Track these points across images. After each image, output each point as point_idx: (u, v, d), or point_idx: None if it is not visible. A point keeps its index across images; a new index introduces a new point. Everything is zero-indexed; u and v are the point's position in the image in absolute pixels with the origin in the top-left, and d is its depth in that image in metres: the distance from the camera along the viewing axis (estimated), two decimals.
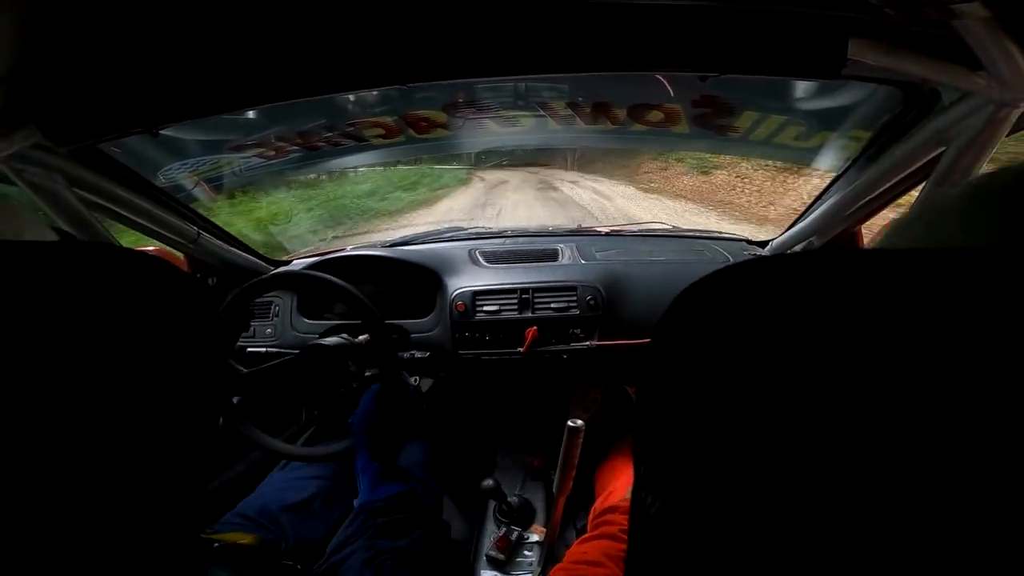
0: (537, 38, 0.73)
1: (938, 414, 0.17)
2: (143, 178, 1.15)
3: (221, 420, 1.11)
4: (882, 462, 0.17)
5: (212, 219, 1.41)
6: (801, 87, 1.00)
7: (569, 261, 1.50)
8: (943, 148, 0.87)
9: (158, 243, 1.32)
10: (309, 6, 0.70)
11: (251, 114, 1.13)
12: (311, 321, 1.47)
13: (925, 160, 0.94)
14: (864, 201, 1.14)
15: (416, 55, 0.76)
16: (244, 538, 0.70)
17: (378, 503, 0.90)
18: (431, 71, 0.78)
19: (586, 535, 0.97)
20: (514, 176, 14.57)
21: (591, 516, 1.17)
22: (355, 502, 0.95)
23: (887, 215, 1.26)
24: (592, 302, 1.37)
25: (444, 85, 1.03)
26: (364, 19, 0.71)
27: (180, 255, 1.42)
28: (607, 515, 0.98)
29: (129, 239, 1.43)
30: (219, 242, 1.43)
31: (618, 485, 1.14)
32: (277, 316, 1.49)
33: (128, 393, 0.34)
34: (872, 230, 1.30)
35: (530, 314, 1.38)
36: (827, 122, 1.08)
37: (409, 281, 1.49)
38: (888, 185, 1.06)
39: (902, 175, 1.01)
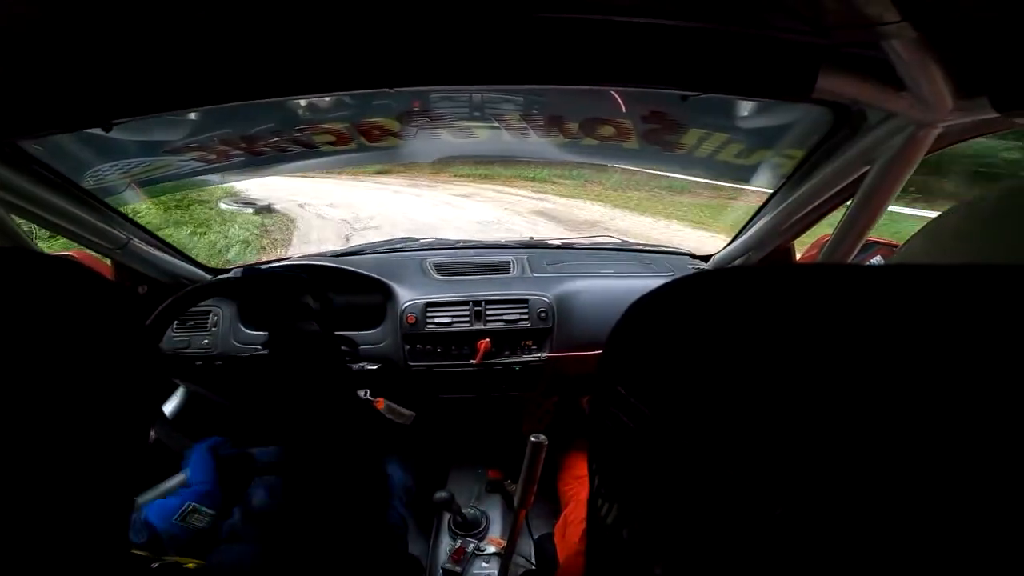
0: (522, 50, 0.73)
1: (871, 419, 0.18)
2: (68, 179, 1.07)
3: (152, 434, 1.03)
4: (822, 460, 0.18)
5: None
6: (744, 106, 1.06)
7: (520, 274, 1.52)
8: (868, 167, 0.93)
9: (82, 248, 1.23)
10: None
11: (192, 115, 1.08)
12: (253, 332, 1.40)
13: (852, 178, 1.01)
14: (797, 217, 1.22)
15: (393, 60, 0.75)
16: (192, 563, 0.65)
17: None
18: (409, 77, 0.77)
19: (577, 549, 0.97)
20: None
21: (562, 525, 1.17)
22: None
23: (816, 231, 1.36)
24: (543, 314, 1.38)
25: (402, 93, 1.02)
26: (333, 19, 0.70)
27: (107, 261, 1.32)
28: None
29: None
30: (152, 248, 1.34)
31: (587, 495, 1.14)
32: (216, 326, 1.41)
33: (44, 404, 0.31)
34: (804, 244, 1.38)
35: (482, 326, 1.37)
36: (765, 141, 1.15)
37: (358, 293, 1.46)
38: (818, 202, 1.14)
39: (831, 192, 1.09)
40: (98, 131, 0.84)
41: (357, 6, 0.68)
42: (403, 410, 1.15)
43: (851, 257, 1.09)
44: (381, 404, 1.13)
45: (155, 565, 0.63)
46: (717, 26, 0.71)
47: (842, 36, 0.68)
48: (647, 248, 1.76)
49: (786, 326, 0.21)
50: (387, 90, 0.80)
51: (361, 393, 1.40)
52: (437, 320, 1.38)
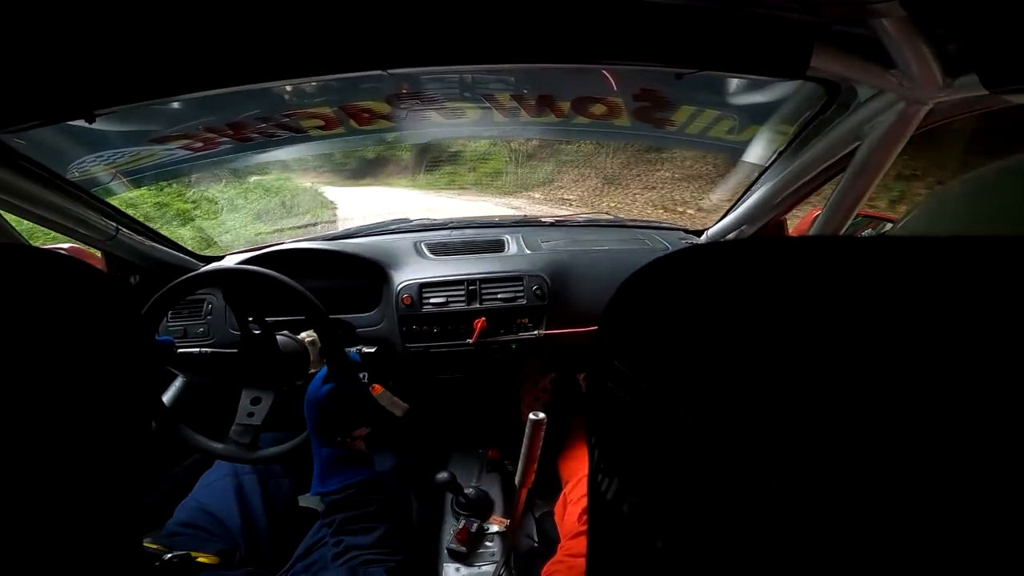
0: (515, 28, 0.72)
1: (865, 388, 0.18)
2: (53, 172, 1.05)
3: (154, 425, 1.04)
4: (817, 429, 0.19)
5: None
6: (734, 83, 1.06)
7: (515, 251, 1.52)
8: (858, 143, 0.94)
9: (72, 241, 1.22)
10: None
11: (176, 103, 1.05)
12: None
13: (842, 154, 1.01)
14: (788, 192, 1.22)
15: (383, 42, 0.73)
16: (203, 557, 0.66)
17: (334, 495, 0.88)
18: (400, 58, 0.76)
19: (576, 530, 0.99)
20: None
21: (561, 504, 1.19)
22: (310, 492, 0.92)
23: (804, 207, 1.37)
24: (539, 292, 1.38)
25: (393, 75, 1.00)
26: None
27: (98, 253, 1.31)
28: None
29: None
30: (141, 238, 1.33)
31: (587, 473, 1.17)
32: (210, 315, 1.40)
33: (42, 398, 0.32)
34: (797, 218, 1.39)
35: (478, 305, 1.38)
36: (757, 117, 1.14)
37: (353, 275, 1.45)
38: (809, 177, 1.14)
39: (822, 168, 1.09)
40: (81, 123, 0.82)
41: None
42: (399, 401, 1.15)
43: (842, 231, 1.10)
44: (378, 390, 1.13)
45: (167, 557, 0.64)
46: (712, 3, 0.70)
47: (833, 14, 0.68)
48: (640, 223, 1.76)
49: (779, 297, 0.21)
50: (380, 72, 0.78)
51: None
52: (433, 300, 1.38)
